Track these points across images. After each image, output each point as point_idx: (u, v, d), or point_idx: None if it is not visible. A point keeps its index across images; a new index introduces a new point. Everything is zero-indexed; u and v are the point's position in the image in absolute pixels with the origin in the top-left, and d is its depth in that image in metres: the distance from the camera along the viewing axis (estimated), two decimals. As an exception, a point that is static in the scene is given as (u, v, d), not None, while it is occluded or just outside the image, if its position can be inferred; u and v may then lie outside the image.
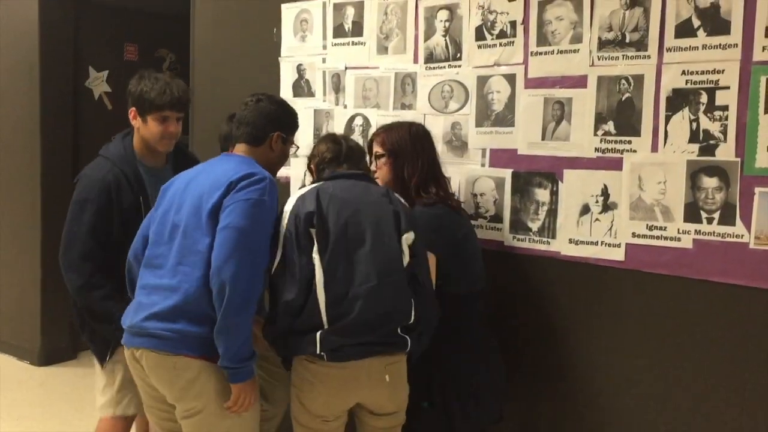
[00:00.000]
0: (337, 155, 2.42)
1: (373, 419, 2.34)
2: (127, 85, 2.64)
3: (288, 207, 2.27)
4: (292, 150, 2.55)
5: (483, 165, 2.82)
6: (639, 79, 2.45)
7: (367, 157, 2.61)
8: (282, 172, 2.79)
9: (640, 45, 2.44)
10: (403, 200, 2.39)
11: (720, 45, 2.30)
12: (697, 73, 2.35)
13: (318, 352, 2.16)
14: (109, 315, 2.49)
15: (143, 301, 2.23)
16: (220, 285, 2.07)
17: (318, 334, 2.16)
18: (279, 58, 3.44)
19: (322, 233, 2.19)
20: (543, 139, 2.66)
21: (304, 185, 2.68)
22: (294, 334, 2.20)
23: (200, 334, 2.13)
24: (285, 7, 3.41)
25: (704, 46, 2.33)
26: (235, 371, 2.14)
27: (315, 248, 2.18)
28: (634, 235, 2.49)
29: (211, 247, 2.14)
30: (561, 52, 2.61)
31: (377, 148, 2.61)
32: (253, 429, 2.32)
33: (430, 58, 2.94)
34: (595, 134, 2.55)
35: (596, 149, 2.55)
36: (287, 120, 2.47)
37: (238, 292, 2.07)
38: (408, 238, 2.25)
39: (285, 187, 3.25)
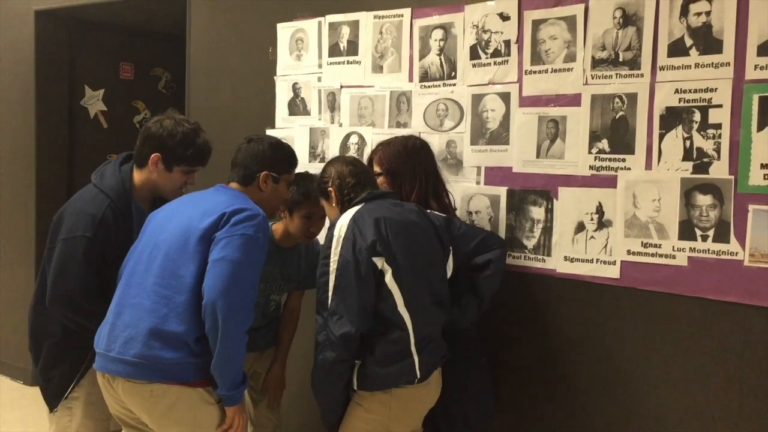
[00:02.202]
0: (359, 180, 2.40)
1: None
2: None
3: (338, 233, 2.23)
4: (291, 191, 2.52)
5: (478, 183, 2.83)
6: (632, 98, 2.47)
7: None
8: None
9: (634, 64, 2.46)
10: (432, 212, 2.45)
11: (712, 64, 2.32)
12: (690, 91, 2.36)
13: (418, 377, 2.24)
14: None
15: (115, 321, 2.18)
16: (214, 318, 2.05)
17: (416, 360, 2.22)
18: (275, 77, 3.45)
19: (393, 259, 2.20)
20: (538, 157, 2.67)
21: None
22: (378, 365, 2.21)
23: (175, 360, 2.10)
24: (280, 27, 3.42)
25: (697, 65, 2.35)
26: (231, 397, 2.15)
27: (390, 274, 2.19)
28: (629, 252, 2.49)
29: (197, 275, 2.11)
30: (555, 70, 2.63)
31: (376, 167, 2.61)
32: None
33: (425, 76, 2.96)
34: (590, 152, 2.56)
35: (591, 167, 2.56)
36: (277, 159, 2.44)
37: (234, 325, 2.07)
38: (450, 257, 2.39)
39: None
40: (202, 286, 2.11)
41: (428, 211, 2.45)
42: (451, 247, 2.39)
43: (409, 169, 2.58)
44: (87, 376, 2.48)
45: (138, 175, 2.51)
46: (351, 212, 2.28)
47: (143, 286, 2.16)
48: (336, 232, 2.24)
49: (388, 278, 2.19)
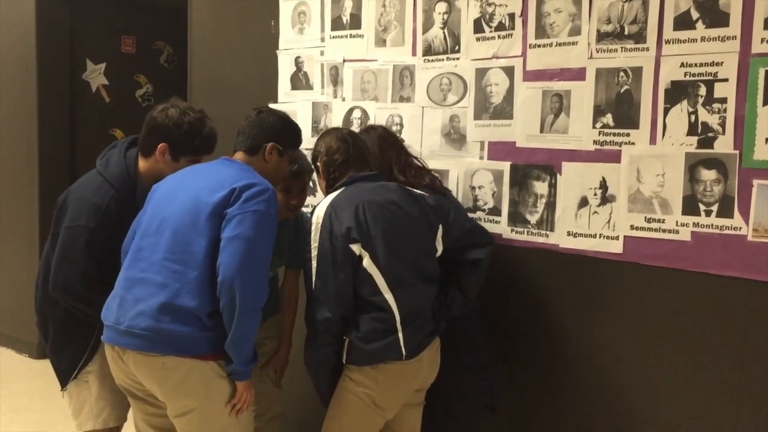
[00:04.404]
0: (347, 158, 2.40)
1: (414, 396, 2.44)
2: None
3: (316, 220, 2.28)
4: (292, 167, 2.54)
5: (481, 158, 2.82)
6: (637, 72, 2.45)
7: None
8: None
9: (639, 37, 2.44)
10: (420, 192, 2.45)
11: (719, 37, 2.29)
12: (695, 65, 2.34)
13: (404, 354, 2.26)
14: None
15: (125, 296, 2.18)
16: (231, 296, 2.08)
17: (400, 337, 2.25)
18: (277, 51, 3.43)
19: (370, 243, 2.24)
20: (541, 131, 2.66)
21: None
22: (363, 341, 2.25)
23: (187, 333, 2.11)
24: (283, -1, 3.40)
25: (703, 39, 2.32)
26: (243, 372, 2.18)
27: (367, 258, 2.23)
28: (632, 227, 2.49)
29: (208, 250, 2.13)
30: (559, 44, 2.61)
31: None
32: (248, 425, 2.32)
33: (429, 50, 2.93)
34: (594, 127, 2.55)
35: (595, 142, 2.55)
36: (285, 133, 2.44)
37: (250, 302, 2.10)
38: (439, 234, 2.39)
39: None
40: (213, 261, 2.12)
41: (416, 191, 2.45)
42: (440, 225, 2.40)
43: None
44: (98, 351, 2.51)
45: (143, 163, 2.52)
46: (330, 198, 2.33)
47: (152, 260, 2.17)
48: (314, 219, 2.29)
49: (366, 262, 2.23)
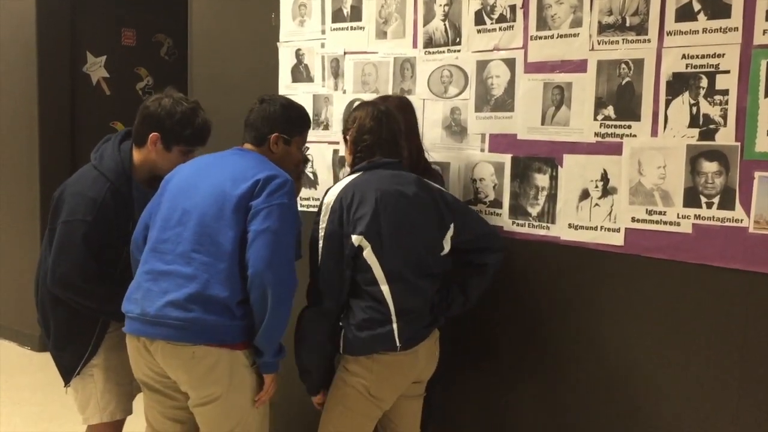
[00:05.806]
0: (376, 140, 2.38)
1: (412, 388, 2.45)
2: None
3: (328, 201, 2.31)
4: (305, 151, 2.54)
5: (482, 150, 2.81)
6: (639, 64, 2.44)
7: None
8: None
9: (641, 29, 2.43)
10: (435, 185, 2.45)
11: (720, 29, 2.29)
12: (697, 57, 2.34)
13: (398, 344, 2.27)
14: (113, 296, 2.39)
15: (151, 287, 2.19)
16: (263, 289, 2.11)
17: (395, 328, 2.25)
18: (277, 43, 3.42)
19: (375, 234, 2.25)
20: (543, 123, 2.66)
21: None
22: (357, 329, 2.27)
23: (218, 322, 2.14)
24: (283, -8, 3.39)
25: (705, 30, 2.32)
26: (273, 364, 2.23)
27: (369, 249, 2.24)
28: (633, 219, 2.49)
29: (236, 242, 2.15)
30: (561, 36, 2.60)
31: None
32: (265, 415, 2.35)
33: (430, 42, 2.93)
34: (595, 119, 2.54)
35: (596, 134, 2.54)
36: (288, 121, 2.44)
37: (282, 294, 2.14)
38: (449, 234, 2.39)
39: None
40: (240, 252, 2.16)
41: (436, 186, 2.45)
42: (452, 224, 2.40)
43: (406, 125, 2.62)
44: (102, 344, 2.52)
45: (137, 154, 2.52)
46: (344, 182, 2.34)
47: (177, 252, 2.19)
48: (326, 200, 2.31)
49: (366, 252, 2.24)
